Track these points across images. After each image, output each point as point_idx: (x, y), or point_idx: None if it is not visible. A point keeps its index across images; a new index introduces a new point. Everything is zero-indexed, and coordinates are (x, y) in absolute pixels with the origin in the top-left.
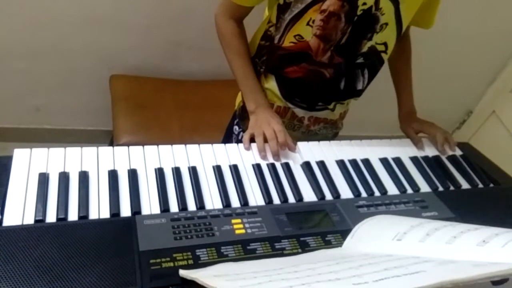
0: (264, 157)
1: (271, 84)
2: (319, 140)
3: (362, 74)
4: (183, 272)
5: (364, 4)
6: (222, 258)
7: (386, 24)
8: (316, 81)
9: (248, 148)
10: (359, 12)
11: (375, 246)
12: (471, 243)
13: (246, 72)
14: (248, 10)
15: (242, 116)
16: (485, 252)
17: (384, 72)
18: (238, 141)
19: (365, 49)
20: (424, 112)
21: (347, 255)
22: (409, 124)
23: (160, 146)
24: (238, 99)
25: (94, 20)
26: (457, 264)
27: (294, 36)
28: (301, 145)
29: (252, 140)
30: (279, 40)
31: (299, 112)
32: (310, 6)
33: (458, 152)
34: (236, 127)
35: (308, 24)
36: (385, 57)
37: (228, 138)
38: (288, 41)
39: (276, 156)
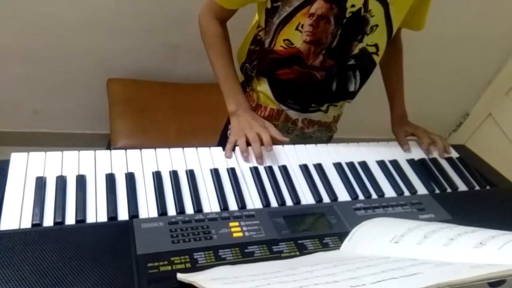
0: (246, 158)
1: (264, 87)
2: (313, 143)
3: (354, 76)
4: (181, 276)
5: (353, 6)
6: (220, 261)
7: (377, 25)
8: (307, 83)
9: (229, 156)
10: (348, 15)
11: (373, 249)
12: (468, 245)
13: (228, 73)
14: (232, 13)
15: None
16: (482, 254)
17: (380, 74)
18: None
19: (356, 51)
20: (421, 115)
21: (344, 258)
22: (402, 128)
23: (157, 149)
24: None
25: (92, 23)
26: (454, 266)
27: (284, 41)
28: (299, 147)
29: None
30: (270, 43)
31: (293, 114)
32: (298, 9)
33: (454, 155)
34: (230, 132)
35: (297, 29)
36: (376, 58)
37: (222, 142)
38: (279, 45)
39: (260, 159)
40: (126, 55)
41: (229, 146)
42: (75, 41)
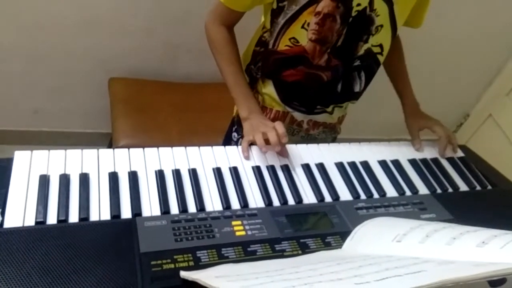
0: (266, 152)
1: (269, 89)
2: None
3: (359, 76)
4: (184, 274)
5: (359, 5)
6: (222, 259)
7: (382, 26)
8: (313, 84)
9: (247, 157)
10: (353, 13)
11: (375, 248)
12: (471, 244)
13: (237, 79)
14: (240, 16)
15: (240, 123)
16: (484, 253)
17: (382, 75)
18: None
19: (361, 51)
20: None
21: (347, 256)
22: (416, 121)
23: (160, 148)
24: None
25: (93, 23)
26: (457, 264)
27: (289, 39)
28: (301, 147)
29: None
30: (274, 44)
31: (298, 116)
32: (304, 8)
33: (456, 155)
34: (235, 134)
35: (303, 27)
36: (381, 58)
37: (227, 145)
38: (284, 45)
39: (277, 146)
40: (127, 54)
41: (245, 144)
42: (77, 40)
